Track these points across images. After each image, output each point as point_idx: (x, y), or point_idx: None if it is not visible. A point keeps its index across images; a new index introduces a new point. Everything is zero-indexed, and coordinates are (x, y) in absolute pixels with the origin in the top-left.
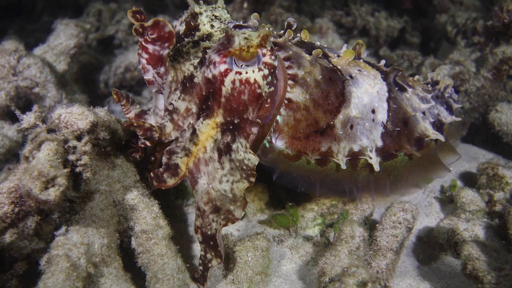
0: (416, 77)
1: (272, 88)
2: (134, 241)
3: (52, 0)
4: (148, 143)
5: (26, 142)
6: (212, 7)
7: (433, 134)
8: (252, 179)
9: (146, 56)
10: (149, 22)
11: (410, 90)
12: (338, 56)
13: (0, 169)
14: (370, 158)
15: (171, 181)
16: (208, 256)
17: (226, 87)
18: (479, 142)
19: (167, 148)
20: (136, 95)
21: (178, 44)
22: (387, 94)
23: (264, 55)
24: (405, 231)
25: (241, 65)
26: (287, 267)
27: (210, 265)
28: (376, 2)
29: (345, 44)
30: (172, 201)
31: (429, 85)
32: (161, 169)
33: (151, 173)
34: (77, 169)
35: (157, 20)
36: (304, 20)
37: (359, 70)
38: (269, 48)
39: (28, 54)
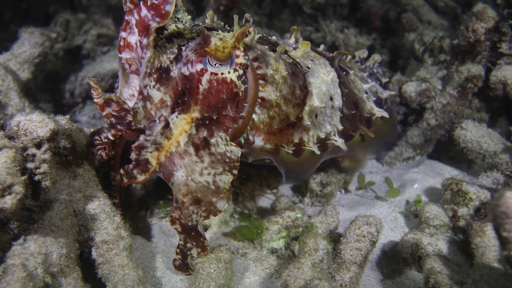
0: (349, 57)
1: (246, 86)
2: (94, 252)
3: (21, 10)
4: (111, 135)
5: None
6: (175, 9)
7: (378, 111)
8: (235, 171)
9: (137, 17)
10: None
11: (351, 72)
12: (294, 48)
13: None
14: (336, 141)
15: (141, 177)
16: (188, 245)
17: (203, 86)
18: (446, 159)
19: (135, 144)
20: None
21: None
22: (338, 80)
23: (237, 56)
24: (369, 245)
25: (215, 64)
26: (251, 280)
27: (189, 253)
28: (347, 20)
29: (292, 34)
30: (135, 213)
31: (359, 63)
32: (130, 166)
33: (121, 170)
34: (36, 178)
35: None
36: (274, 35)
37: (312, 60)
38: (242, 49)
39: None
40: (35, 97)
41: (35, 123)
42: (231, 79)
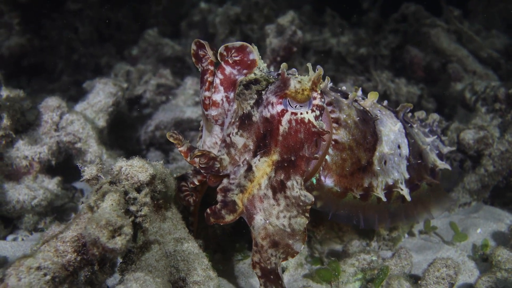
0: (409, 114)
1: (325, 125)
2: None
3: (72, 61)
4: (197, 181)
5: (88, 192)
6: None
7: (441, 164)
8: (308, 214)
9: (221, 76)
10: (237, 44)
11: (414, 126)
12: (362, 98)
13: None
14: (402, 190)
15: (229, 217)
16: None
17: (283, 126)
18: (500, 205)
19: (220, 186)
20: (165, 153)
21: None
22: (404, 130)
23: (315, 98)
24: (448, 287)
25: (295, 106)
26: None
27: None
28: (388, 70)
29: (360, 88)
30: (212, 255)
31: (419, 122)
32: (218, 206)
33: (208, 210)
34: (137, 220)
35: (246, 45)
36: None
37: (379, 111)
38: (319, 91)
39: (70, 110)
40: (110, 144)
41: (136, 168)
42: (308, 119)
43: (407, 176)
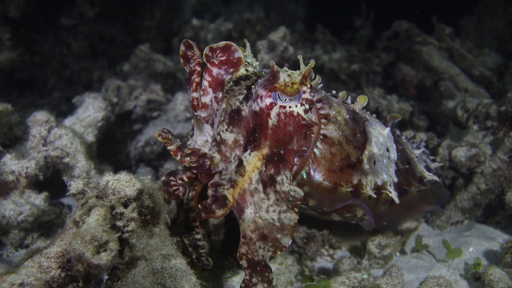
0: (397, 132)
1: (314, 117)
2: None
3: (64, 77)
4: (186, 177)
5: (74, 208)
6: (245, 55)
7: (428, 175)
8: (297, 210)
9: (209, 79)
10: (221, 44)
11: (403, 136)
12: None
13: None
14: (390, 192)
15: (220, 212)
16: (254, 280)
17: (272, 119)
18: (492, 223)
19: (211, 181)
20: (155, 169)
21: None
22: (393, 137)
23: (304, 92)
24: None
25: (285, 99)
26: None
27: None
28: (380, 87)
29: (349, 97)
30: (201, 272)
31: (406, 139)
32: (208, 201)
33: (199, 205)
34: (124, 235)
35: (230, 44)
36: None
37: (369, 116)
38: (308, 85)
39: (59, 125)
40: (98, 159)
41: (123, 183)
42: (297, 113)
43: (395, 179)
